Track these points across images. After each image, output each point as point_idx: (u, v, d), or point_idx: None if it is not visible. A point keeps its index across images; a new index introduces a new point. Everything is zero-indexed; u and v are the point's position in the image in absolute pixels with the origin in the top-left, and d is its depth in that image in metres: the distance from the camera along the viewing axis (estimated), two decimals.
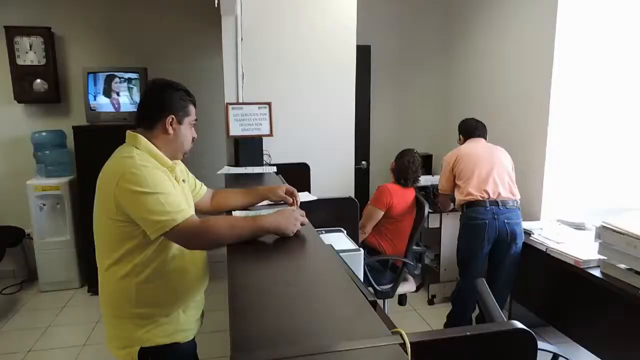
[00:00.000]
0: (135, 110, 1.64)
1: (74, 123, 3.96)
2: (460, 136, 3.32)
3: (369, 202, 3.22)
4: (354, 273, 1.31)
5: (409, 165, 3.17)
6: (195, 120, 1.66)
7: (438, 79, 4.64)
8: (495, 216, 2.91)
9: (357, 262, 1.87)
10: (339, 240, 2.09)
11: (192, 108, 1.63)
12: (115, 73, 3.95)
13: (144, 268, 1.50)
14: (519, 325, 0.97)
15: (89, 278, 3.99)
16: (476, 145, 3.16)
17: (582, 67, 3.19)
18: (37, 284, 4.07)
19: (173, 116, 1.57)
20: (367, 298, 1.05)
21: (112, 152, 1.56)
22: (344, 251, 1.83)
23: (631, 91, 3.28)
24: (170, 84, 1.61)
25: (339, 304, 1.05)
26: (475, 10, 4.09)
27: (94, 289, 3.89)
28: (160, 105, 1.57)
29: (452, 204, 3.36)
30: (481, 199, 2.94)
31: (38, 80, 4.03)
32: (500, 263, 2.99)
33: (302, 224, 1.48)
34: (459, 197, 3.07)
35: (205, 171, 3.03)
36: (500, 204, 2.93)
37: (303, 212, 1.52)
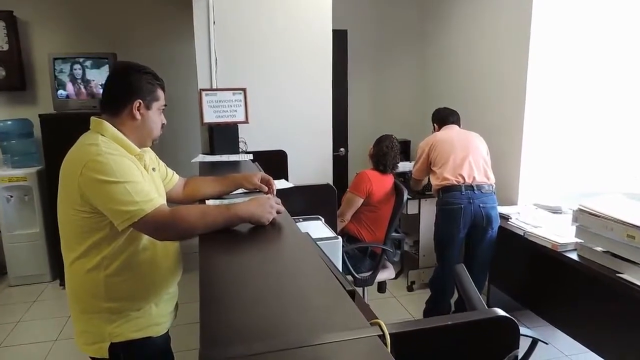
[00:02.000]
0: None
1: (40, 111, 3.79)
2: (435, 125, 3.33)
3: (348, 190, 3.19)
4: (331, 262, 1.27)
5: (388, 151, 3.14)
6: (165, 105, 1.58)
7: (416, 63, 4.61)
8: (471, 200, 2.91)
9: (336, 250, 1.84)
10: (317, 228, 2.04)
11: (160, 92, 1.55)
12: (84, 58, 3.80)
13: (113, 260, 1.44)
14: (502, 312, 0.95)
15: (60, 271, 3.86)
16: (451, 132, 3.17)
17: (558, 53, 3.19)
18: (7, 278, 3.94)
19: (140, 101, 1.48)
20: (345, 288, 1.01)
21: None
22: (322, 239, 1.80)
23: (606, 77, 3.30)
24: (136, 66, 1.52)
25: (316, 294, 1.01)
26: None
27: None
28: (126, 90, 1.48)
29: (426, 180, 3.35)
30: (457, 183, 2.93)
31: (0, 67, 3.86)
32: (476, 247, 3.00)
33: (278, 212, 1.43)
34: (435, 182, 3.07)
35: (180, 159, 2.95)
36: (475, 188, 2.93)
37: (279, 200, 1.48)
